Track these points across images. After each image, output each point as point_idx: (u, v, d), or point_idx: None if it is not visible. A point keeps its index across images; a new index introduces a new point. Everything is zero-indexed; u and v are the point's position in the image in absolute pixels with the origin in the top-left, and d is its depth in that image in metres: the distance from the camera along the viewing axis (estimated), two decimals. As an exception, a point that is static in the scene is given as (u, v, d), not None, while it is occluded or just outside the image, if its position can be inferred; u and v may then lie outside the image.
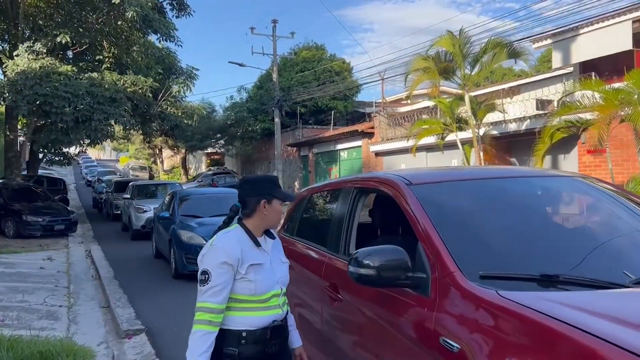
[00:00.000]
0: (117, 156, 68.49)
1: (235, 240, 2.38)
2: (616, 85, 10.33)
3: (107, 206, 21.85)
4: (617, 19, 15.36)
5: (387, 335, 2.52)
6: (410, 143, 18.47)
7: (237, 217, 2.54)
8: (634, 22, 15.08)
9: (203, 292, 2.32)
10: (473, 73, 12.03)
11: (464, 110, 13.54)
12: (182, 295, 8.13)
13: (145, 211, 14.60)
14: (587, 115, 9.94)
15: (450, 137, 14.14)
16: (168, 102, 19.19)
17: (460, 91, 14.07)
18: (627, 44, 15.00)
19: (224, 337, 2.34)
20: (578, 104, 9.25)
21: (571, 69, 17.94)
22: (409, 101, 31.93)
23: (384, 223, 3.51)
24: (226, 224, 2.55)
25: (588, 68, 16.57)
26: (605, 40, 15.43)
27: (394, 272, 2.33)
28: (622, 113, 8.91)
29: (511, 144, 16.01)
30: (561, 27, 15.65)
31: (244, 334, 2.35)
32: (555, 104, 18.99)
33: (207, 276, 2.31)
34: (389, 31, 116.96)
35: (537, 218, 2.77)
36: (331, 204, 3.63)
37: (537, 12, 26.57)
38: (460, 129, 13.29)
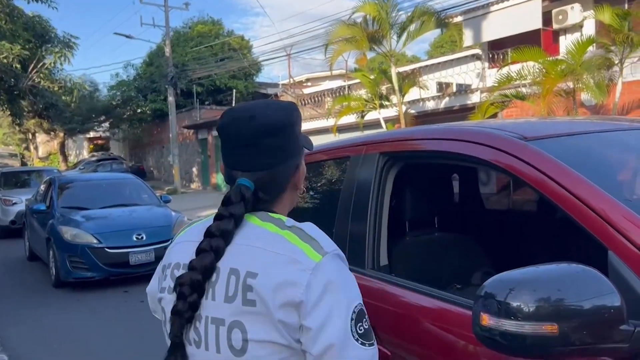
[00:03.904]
0: (-19, 143, 60.95)
1: None
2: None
3: (-34, 199, 18.56)
4: (527, -3, 15.29)
5: None
6: (322, 123, 17.46)
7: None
8: (543, 0, 15.09)
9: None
10: (400, 43, 11.10)
11: (384, 88, 12.66)
12: (66, 311, 6.30)
13: (14, 203, 12.30)
14: (523, 90, 9.38)
15: (369, 116, 13.20)
16: (41, 75, 16.32)
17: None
18: (536, 23, 14.98)
19: None
20: (517, 75, 8.60)
21: (478, 50, 17.87)
22: (309, 84, 31.01)
23: (418, 211, 2.19)
24: (227, 233, 1.05)
25: (496, 47, 16.49)
26: (515, 18, 15.33)
27: (592, 326, 1.04)
28: (564, 86, 8.39)
29: (427, 124, 15.48)
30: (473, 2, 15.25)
31: None
32: (454, 87, 19.07)
33: (366, 320, 1.04)
34: (280, 16, 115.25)
35: None
36: (333, 183, 2.23)
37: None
38: (382, 106, 12.36)
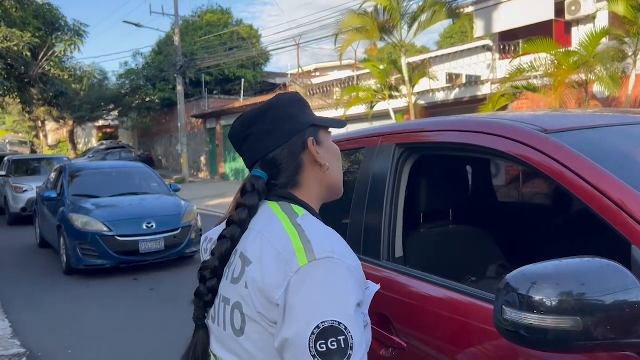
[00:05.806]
0: (-9, 130, 61.19)
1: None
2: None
3: (-23, 186, 18.70)
4: (539, -13, 15.11)
5: None
6: (331, 114, 17.42)
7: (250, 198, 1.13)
8: (556, -10, 14.91)
9: None
10: (410, 33, 11.03)
11: (393, 79, 12.59)
12: (76, 298, 6.36)
13: (25, 190, 12.35)
14: (534, 82, 9.29)
15: (378, 107, 13.14)
16: (51, 63, 16.35)
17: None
18: (549, 14, 14.80)
19: None
20: (529, 66, 8.52)
21: (489, 41, 17.70)
22: (317, 73, 30.89)
23: (433, 203, 2.18)
24: (242, 221, 1.11)
25: (507, 38, 16.32)
26: (527, 9, 15.15)
27: (616, 321, 1.03)
28: (576, 77, 8.30)
29: (436, 115, 15.39)
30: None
31: None
32: (464, 78, 18.92)
33: (344, 340, 0.91)
34: (289, 5, 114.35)
35: None
36: (347, 174, 2.22)
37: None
38: (391, 96, 12.30)
